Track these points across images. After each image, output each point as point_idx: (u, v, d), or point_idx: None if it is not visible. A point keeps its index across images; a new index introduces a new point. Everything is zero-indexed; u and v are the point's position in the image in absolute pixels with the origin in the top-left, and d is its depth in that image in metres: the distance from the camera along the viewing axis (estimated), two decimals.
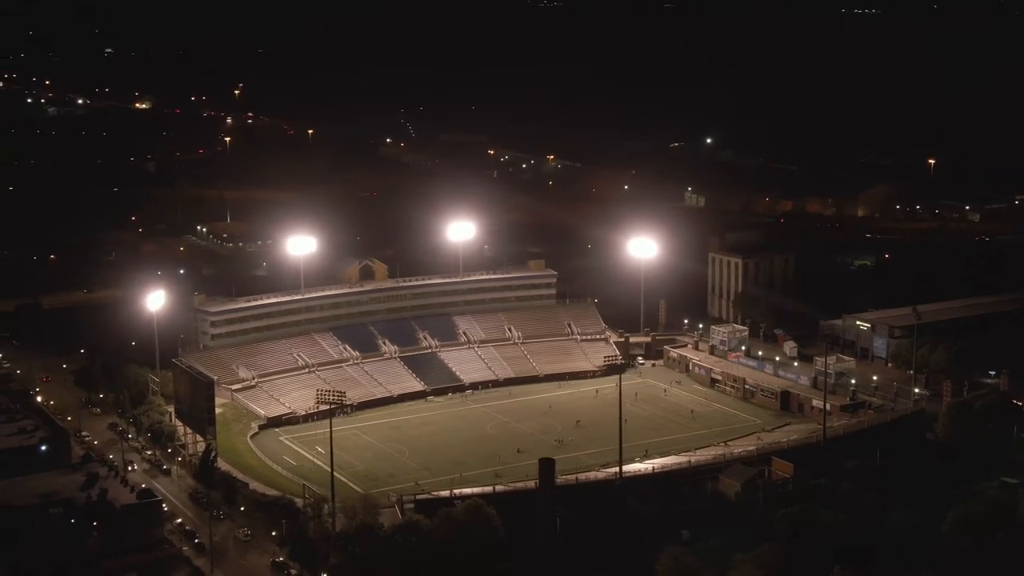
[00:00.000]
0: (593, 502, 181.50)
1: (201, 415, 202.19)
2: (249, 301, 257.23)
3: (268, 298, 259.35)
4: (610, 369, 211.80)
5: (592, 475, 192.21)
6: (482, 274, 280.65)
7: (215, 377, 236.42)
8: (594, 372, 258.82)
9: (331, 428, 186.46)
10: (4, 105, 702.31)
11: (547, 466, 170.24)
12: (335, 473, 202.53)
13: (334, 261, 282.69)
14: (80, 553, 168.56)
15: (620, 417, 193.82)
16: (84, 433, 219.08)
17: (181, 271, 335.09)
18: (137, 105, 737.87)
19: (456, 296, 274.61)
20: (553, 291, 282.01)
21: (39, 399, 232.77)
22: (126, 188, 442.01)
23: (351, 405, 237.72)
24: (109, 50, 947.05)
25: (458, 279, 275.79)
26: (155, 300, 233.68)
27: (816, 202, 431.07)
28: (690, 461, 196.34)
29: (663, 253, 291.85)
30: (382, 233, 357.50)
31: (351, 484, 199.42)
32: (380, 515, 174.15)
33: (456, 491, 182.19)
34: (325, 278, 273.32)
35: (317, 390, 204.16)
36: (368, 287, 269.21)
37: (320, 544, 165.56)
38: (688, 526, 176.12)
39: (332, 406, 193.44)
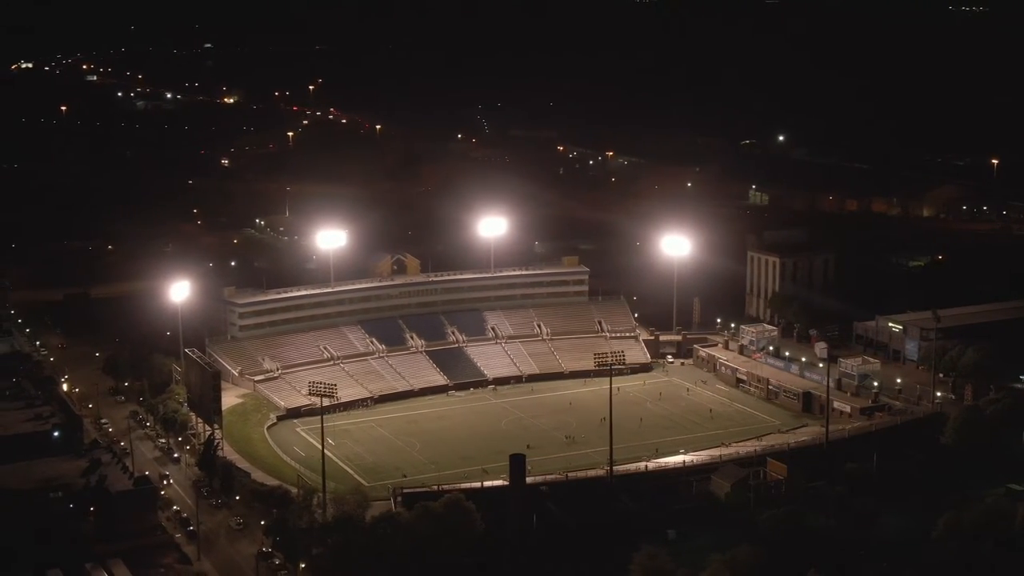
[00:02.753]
0: (584, 500, 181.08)
1: (208, 405, 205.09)
2: (278, 293, 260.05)
3: (296, 291, 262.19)
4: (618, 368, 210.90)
5: (583, 473, 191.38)
6: (513, 270, 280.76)
7: (238, 368, 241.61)
8: (620, 370, 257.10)
9: (322, 422, 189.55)
10: (95, 99, 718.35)
11: (517, 463, 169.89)
12: (343, 464, 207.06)
13: (367, 255, 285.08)
14: (75, 537, 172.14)
15: (611, 416, 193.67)
16: (103, 420, 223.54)
17: (232, 263, 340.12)
18: (225, 100, 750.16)
19: (487, 292, 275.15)
20: (585, 288, 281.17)
21: (64, 387, 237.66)
22: (191, 181, 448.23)
23: (371, 398, 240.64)
24: (208, 45, 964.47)
25: (488, 275, 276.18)
26: (179, 291, 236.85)
27: (881, 202, 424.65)
28: (684, 461, 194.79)
29: (707, 252, 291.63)
30: (433, 229, 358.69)
31: (356, 476, 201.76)
32: (370, 507, 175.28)
33: (444, 486, 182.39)
34: (360, 272, 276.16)
35: (309, 383, 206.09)
36: (398, 281, 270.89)
37: (302, 535, 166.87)
38: (677, 526, 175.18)
39: (322, 399, 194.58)
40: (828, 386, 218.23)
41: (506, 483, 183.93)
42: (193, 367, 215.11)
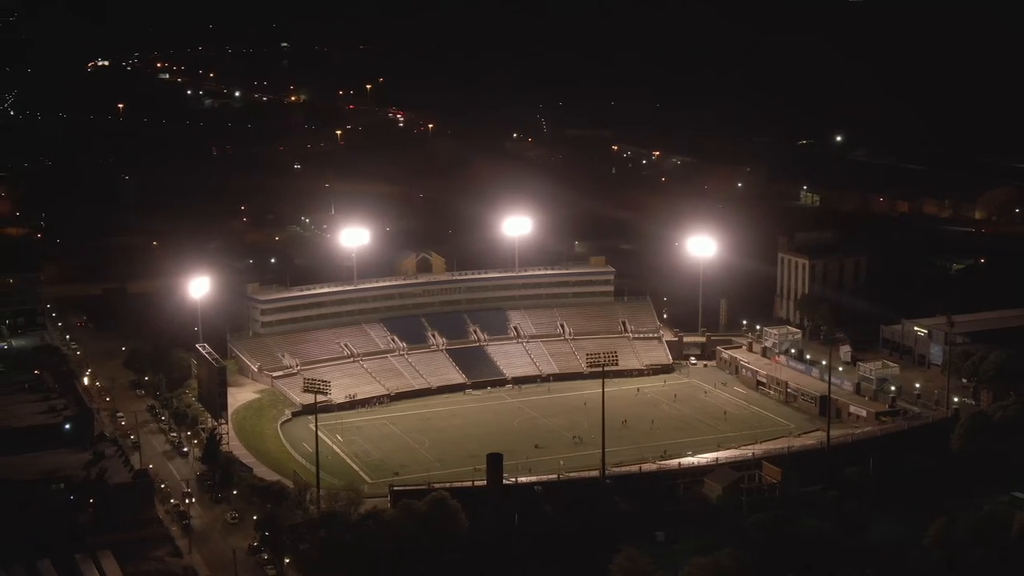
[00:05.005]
0: (577, 501, 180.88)
1: (214, 399, 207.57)
2: (301, 290, 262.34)
3: (319, 288, 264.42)
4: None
5: (577, 474, 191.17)
6: (537, 270, 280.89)
7: (258, 364, 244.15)
8: (641, 371, 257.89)
9: (316, 420, 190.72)
10: (164, 97, 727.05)
11: (495, 461, 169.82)
12: (349, 460, 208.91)
13: (394, 253, 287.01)
14: (72, 529, 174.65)
15: (603, 416, 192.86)
16: (119, 413, 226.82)
17: (272, 260, 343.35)
18: (292, 99, 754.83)
19: (511, 291, 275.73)
20: (610, 288, 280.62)
21: (86, 380, 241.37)
22: (243, 178, 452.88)
23: (387, 395, 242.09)
24: (285, 44, 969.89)
25: (512, 274, 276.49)
26: (199, 287, 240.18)
27: (933, 203, 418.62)
28: (680, 464, 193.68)
29: (741, 253, 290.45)
30: (472, 228, 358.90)
31: (361, 472, 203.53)
32: (363, 503, 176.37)
33: (435, 484, 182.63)
34: (387, 270, 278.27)
35: (304, 379, 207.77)
36: (421, 279, 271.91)
37: (288, 530, 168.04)
38: (669, 528, 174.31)
39: (316, 396, 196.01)
40: (829, 388, 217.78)
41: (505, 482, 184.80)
42: (202, 362, 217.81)
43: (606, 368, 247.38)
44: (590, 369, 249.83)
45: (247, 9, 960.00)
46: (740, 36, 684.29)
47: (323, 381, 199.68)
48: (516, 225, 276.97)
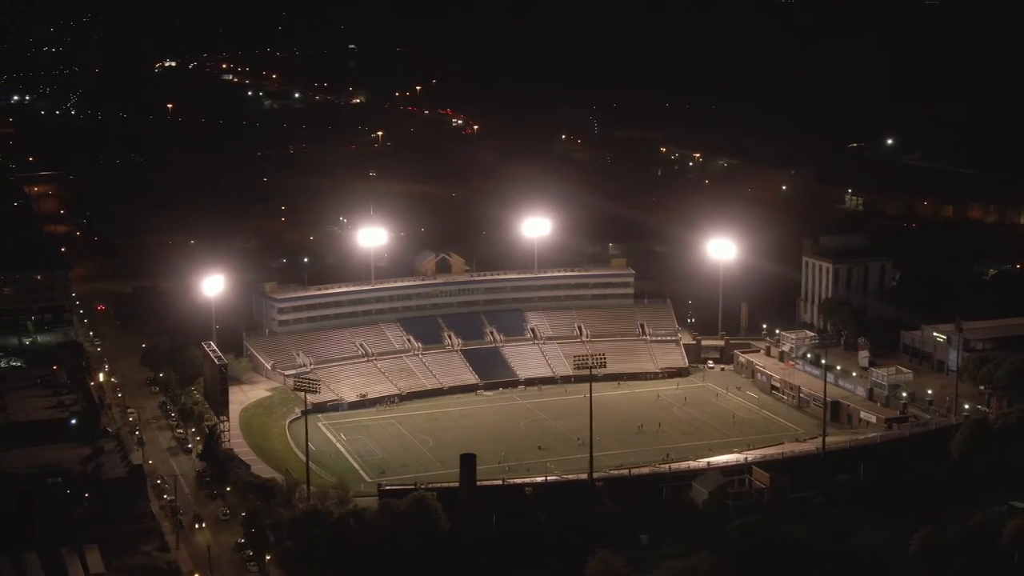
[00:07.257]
0: (567, 503, 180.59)
1: (216, 396, 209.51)
2: (319, 290, 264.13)
3: (336, 287, 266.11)
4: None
5: (568, 475, 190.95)
6: (556, 271, 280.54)
7: (271, 362, 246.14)
8: (655, 374, 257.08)
9: (307, 420, 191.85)
10: (225, 98, 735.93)
11: (468, 462, 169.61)
12: (351, 459, 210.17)
13: (414, 254, 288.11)
14: (66, 522, 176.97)
15: (591, 420, 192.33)
16: (130, 409, 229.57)
17: (305, 259, 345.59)
18: (351, 100, 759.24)
19: (529, 292, 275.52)
20: (630, 290, 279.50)
21: (101, 377, 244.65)
22: (290, 178, 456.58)
23: (398, 395, 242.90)
24: (352, 46, 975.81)
25: (531, 275, 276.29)
26: (213, 285, 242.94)
27: (978, 208, 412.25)
28: (670, 467, 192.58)
29: (768, 257, 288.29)
30: (505, 228, 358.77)
31: (361, 471, 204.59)
32: (351, 502, 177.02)
33: (427, 484, 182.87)
34: (407, 270, 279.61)
35: (295, 378, 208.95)
36: (439, 280, 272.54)
37: (270, 528, 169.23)
38: (656, 532, 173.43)
39: (306, 395, 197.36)
40: (825, 391, 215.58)
41: (496, 483, 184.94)
42: (207, 360, 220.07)
43: (623, 371, 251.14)
44: (602, 371, 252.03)
45: (316, 11, 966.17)
46: (790, 38, 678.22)
47: (313, 380, 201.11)
48: (535, 226, 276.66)
